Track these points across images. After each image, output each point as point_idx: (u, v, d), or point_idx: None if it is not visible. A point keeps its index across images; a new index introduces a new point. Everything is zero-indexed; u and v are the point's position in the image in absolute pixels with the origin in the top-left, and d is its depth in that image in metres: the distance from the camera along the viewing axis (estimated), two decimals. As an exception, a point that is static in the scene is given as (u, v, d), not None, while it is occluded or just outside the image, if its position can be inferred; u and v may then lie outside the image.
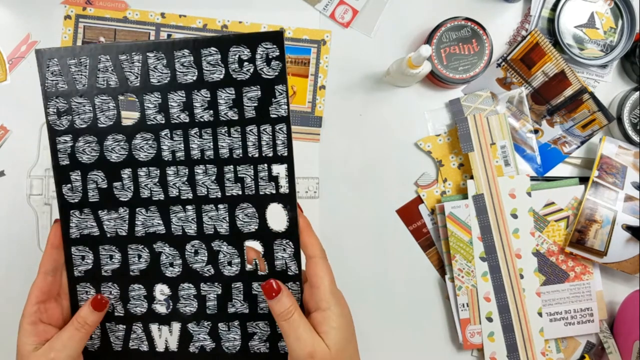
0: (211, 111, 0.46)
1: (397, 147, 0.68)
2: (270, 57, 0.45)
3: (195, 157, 0.47)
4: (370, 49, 0.69)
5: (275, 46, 0.45)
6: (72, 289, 0.49)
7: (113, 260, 0.49)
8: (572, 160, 0.69)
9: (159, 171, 0.47)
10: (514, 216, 0.65)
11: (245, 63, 0.45)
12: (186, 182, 0.47)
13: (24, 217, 0.67)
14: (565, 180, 0.67)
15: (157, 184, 0.47)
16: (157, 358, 0.50)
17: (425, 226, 0.68)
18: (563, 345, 0.67)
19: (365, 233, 0.68)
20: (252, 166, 0.47)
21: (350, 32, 0.69)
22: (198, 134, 0.46)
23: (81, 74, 0.46)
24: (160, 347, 0.49)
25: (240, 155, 0.46)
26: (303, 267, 0.48)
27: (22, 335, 0.46)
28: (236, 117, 0.46)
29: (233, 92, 0.46)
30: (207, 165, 0.47)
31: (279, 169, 0.47)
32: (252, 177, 0.47)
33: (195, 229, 0.48)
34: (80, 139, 0.47)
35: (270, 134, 0.46)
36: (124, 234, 0.48)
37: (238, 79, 0.46)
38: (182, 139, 0.47)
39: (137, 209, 0.48)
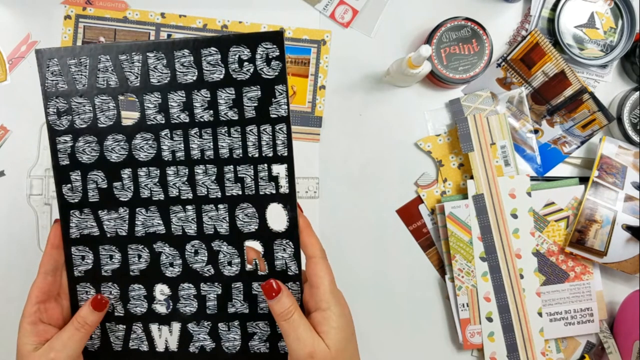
0: (211, 111, 0.46)
1: (397, 147, 0.68)
2: (270, 57, 0.45)
3: (195, 157, 0.47)
4: (370, 49, 0.69)
5: (275, 46, 0.45)
6: (72, 289, 0.49)
7: (113, 260, 0.48)
8: (572, 160, 0.69)
9: (159, 171, 0.47)
10: (514, 216, 0.65)
11: (245, 63, 0.45)
12: (186, 182, 0.47)
13: (24, 217, 0.67)
14: (565, 180, 0.67)
15: (157, 184, 0.47)
16: (157, 358, 0.50)
17: (425, 226, 0.68)
18: (563, 345, 0.67)
19: (365, 233, 0.68)
20: (252, 166, 0.47)
21: (350, 32, 0.69)
22: (198, 134, 0.46)
23: (81, 74, 0.46)
24: (160, 347, 0.49)
25: (240, 155, 0.46)
26: (303, 267, 0.48)
27: (22, 335, 0.46)
28: (236, 117, 0.46)
29: (233, 92, 0.46)
30: (207, 165, 0.47)
31: (279, 169, 0.47)
32: (252, 177, 0.47)
33: (195, 229, 0.48)
34: (80, 139, 0.47)
35: (270, 134, 0.46)
36: (124, 234, 0.48)
37: (238, 79, 0.46)
38: (182, 139, 0.47)
39: (137, 209, 0.48)
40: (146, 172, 0.47)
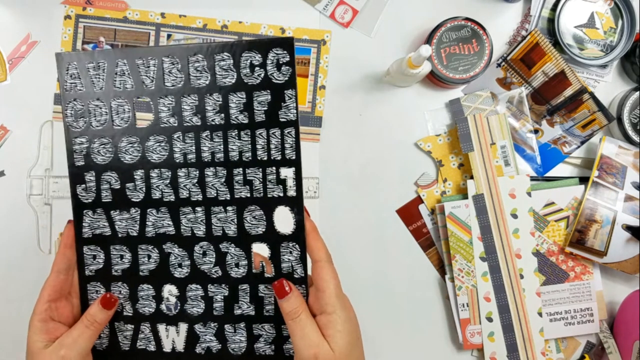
0: (222, 114, 0.47)
1: (397, 147, 0.68)
2: (280, 62, 0.46)
3: (206, 160, 0.47)
4: (370, 49, 0.69)
5: (285, 52, 0.46)
6: (83, 288, 0.49)
7: (123, 260, 0.49)
8: (572, 160, 0.69)
9: (170, 173, 0.48)
10: (514, 216, 0.65)
11: (257, 68, 0.46)
12: (196, 184, 0.48)
13: (24, 217, 0.67)
14: (565, 180, 0.67)
15: (168, 185, 0.48)
16: (164, 358, 0.50)
17: (425, 226, 0.68)
18: (563, 345, 0.67)
19: (366, 233, 0.68)
20: (260, 169, 0.47)
21: (350, 32, 0.69)
22: (209, 136, 0.47)
23: (99, 77, 0.47)
24: (167, 348, 0.50)
25: (250, 158, 0.47)
26: (309, 271, 0.48)
27: (33, 332, 0.46)
28: (246, 121, 0.47)
29: (244, 96, 0.46)
30: (217, 168, 0.47)
31: (287, 172, 0.47)
32: (261, 179, 0.47)
33: (204, 230, 0.48)
34: (95, 140, 0.48)
35: (279, 137, 0.47)
36: (135, 234, 0.48)
37: (249, 83, 0.46)
38: (193, 141, 0.47)
39: (148, 210, 0.48)
40: (158, 174, 0.48)
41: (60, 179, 0.67)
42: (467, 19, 0.65)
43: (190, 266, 0.49)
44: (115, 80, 0.47)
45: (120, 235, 0.49)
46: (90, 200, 0.48)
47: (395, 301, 0.68)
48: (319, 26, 0.68)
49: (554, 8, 0.67)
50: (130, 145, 0.48)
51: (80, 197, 0.48)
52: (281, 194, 0.47)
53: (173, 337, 0.50)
